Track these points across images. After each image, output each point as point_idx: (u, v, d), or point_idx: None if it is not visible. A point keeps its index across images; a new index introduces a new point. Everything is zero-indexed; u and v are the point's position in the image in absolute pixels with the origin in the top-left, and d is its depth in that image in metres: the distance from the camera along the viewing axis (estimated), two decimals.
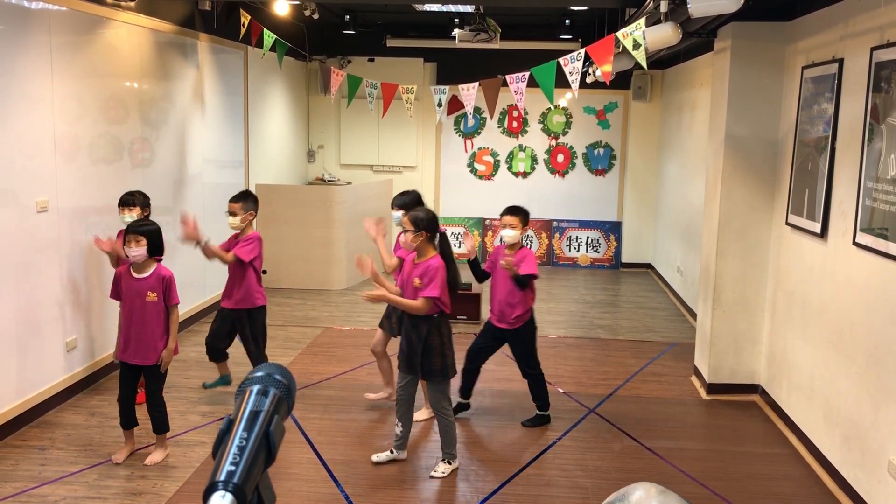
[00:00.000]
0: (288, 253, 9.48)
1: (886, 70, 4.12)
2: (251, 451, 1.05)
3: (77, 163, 5.68)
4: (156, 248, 4.59)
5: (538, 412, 5.48)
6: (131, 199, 5.31)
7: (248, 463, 1.03)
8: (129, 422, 4.74)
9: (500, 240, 5.42)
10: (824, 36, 5.07)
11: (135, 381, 4.72)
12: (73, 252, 5.60)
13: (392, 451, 4.81)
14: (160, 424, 4.74)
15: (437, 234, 4.63)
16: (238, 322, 5.54)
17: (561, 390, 6.21)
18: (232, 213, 5.41)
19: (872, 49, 4.29)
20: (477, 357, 5.48)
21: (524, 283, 5.15)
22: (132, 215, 5.21)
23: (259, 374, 1.18)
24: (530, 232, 11.45)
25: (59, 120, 5.43)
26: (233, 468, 1.02)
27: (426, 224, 4.52)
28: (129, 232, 4.58)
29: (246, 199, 5.48)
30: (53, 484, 4.41)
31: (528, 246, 11.35)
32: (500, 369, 6.63)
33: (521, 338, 5.32)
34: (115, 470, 4.61)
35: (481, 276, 5.37)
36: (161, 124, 6.99)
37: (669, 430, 5.48)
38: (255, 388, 1.15)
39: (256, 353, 5.56)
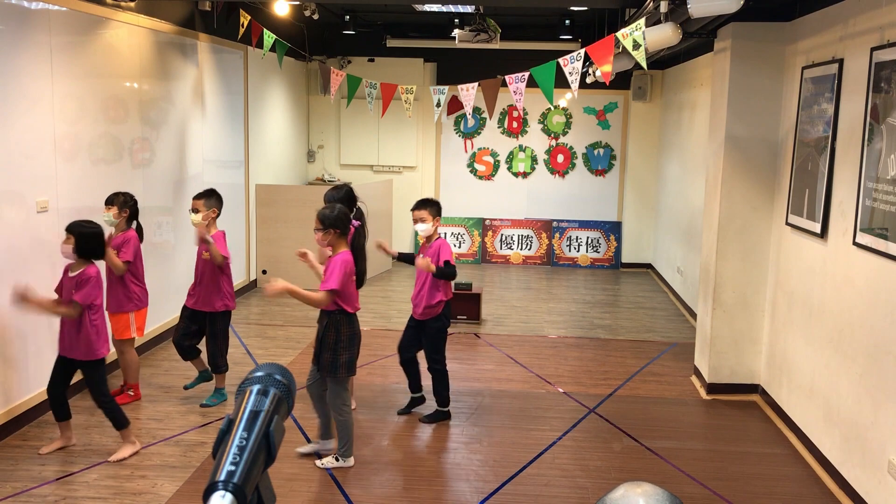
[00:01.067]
0: (288, 253, 9.45)
1: (886, 70, 4.12)
2: (251, 451, 1.05)
3: (77, 163, 5.68)
4: (85, 249, 4.60)
5: (438, 408, 5.53)
6: (112, 199, 5.43)
7: (248, 463, 1.04)
8: (60, 413, 4.77)
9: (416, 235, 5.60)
10: (824, 36, 5.07)
11: (66, 376, 4.73)
12: None
13: (314, 442, 4.91)
14: (115, 420, 4.75)
15: (351, 229, 4.76)
16: (204, 320, 5.65)
17: (561, 390, 6.21)
18: (195, 211, 5.48)
19: (872, 49, 4.29)
20: (405, 350, 5.55)
21: (448, 273, 5.28)
22: (108, 215, 5.34)
23: (259, 373, 1.18)
24: (531, 232, 11.45)
25: (59, 120, 5.43)
26: (233, 468, 1.02)
27: (333, 221, 4.63)
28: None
29: (210, 197, 5.54)
30: (53, 484, 4.41)
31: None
32: (500, 369, 6.63)
33: (429, 330, 5.42)
34: (115, 470, 4.61)
35: (411, 259, 5.60)
36: (161, 124, 6.99)
37: (669, 430, 5.48)
38: (255, 388, 1.15)
39: (212, 352, 5.66)
